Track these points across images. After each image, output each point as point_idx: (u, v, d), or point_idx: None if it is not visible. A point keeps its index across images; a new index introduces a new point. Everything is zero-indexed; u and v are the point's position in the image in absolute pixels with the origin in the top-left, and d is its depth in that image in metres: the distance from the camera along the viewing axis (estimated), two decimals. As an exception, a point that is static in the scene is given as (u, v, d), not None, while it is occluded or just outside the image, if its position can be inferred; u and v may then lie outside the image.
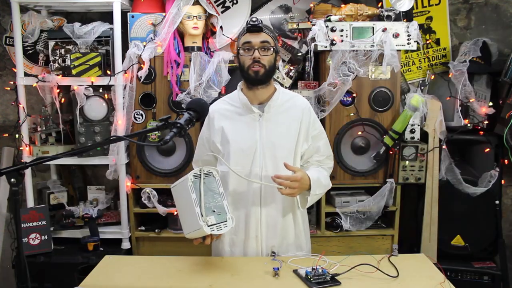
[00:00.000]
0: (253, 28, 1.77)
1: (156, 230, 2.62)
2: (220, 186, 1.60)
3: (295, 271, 1.63)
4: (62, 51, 2.53)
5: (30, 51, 2.67)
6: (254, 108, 1.82)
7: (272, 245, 1.84)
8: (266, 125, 1.82)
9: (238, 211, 1.83)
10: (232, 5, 2.72)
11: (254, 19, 1.78)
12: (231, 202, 1.81)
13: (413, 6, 2.53)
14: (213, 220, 1.54)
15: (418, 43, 2.51)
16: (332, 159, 2.02)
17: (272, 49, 1.79)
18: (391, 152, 2.54)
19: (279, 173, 1.74)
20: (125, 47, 2.54)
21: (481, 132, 2.58)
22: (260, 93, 1.84)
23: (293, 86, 2.61)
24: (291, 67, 2.63)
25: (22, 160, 2.57)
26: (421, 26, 2.75)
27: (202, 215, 1.51)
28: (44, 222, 2.51)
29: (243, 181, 1.80)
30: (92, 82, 2.51)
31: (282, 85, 2.49)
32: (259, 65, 1.77)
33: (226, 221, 1.56)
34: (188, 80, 2.51)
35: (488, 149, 2.56)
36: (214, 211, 1.55)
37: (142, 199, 2.56)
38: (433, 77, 2.76)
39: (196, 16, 2.52)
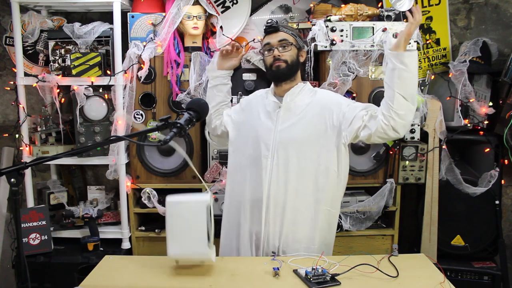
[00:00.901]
0: (269, 29, 1.90)
1: (156, 230, 2.62)
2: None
3: (295, 271, 1.63)
4: (62, 51, 2.54)
5: (30, 51, 2.67)
6: (274, 98, 1.91)
7: (278, 236, 1.85)
8: (283, 116, 1.88)
9: (247, 193, 1.89)
10: (232, 5, 2.71)
11: (269, 21, 1.91)
12: (241, 185, 1.92)
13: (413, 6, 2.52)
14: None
15: (418, 43, 2.51)
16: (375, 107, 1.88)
17: (291, 45, 1.88)
18: (391, 152, 2.54)
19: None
20: (125, 47, 2.54)
21: (481, 132, 2.58)
22: (285, 89, 1.91)
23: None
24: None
25: (22, 160, 2.57)
26: (421, 26, 2.75)
27: (209, 240, 1.55)
28: (44, 222, 2.51)
29: (255, 168, 1.87)
30: (92, 82, 2.51)
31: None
32: (280, 61, 1.86)
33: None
34: (188, 80, 2.51)
35: (488, 149, 2.56)
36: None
37: (142, 199, 2.56)
38: (433, 77, 2.76)
39: (196, 16, 2.52)
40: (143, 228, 2.65)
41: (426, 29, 2.84)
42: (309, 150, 1.84)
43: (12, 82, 2.69)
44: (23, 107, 2.53)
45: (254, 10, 2.79)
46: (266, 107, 1.94)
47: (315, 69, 2.57)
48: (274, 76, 1.91)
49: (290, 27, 1.97)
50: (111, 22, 2.51)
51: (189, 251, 1.59)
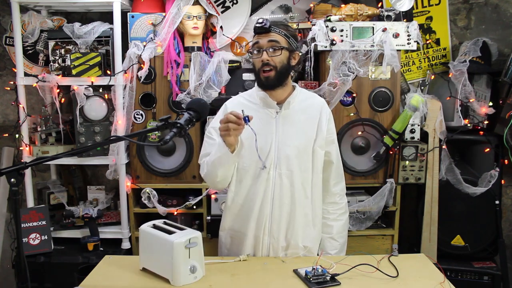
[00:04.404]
0: (259, 30, 1.74)
1: (156, 230, 2.62)
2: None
3: (295, 271, 1.63)
4: (62, 51, 2.54)
5: (30, 51, 2.67)
6: (272, 104, 1.79)
7: (282, 245, 1.83)
8: (283, 123, 1.80)
9: (251, 203, 1.81)
10: (232, 5, 2.72)
11: (260, 20, 1.73)
12: (245, 194, 1.82)
13: (413, 6, 2.53)
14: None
15: (418, 43, 2.51)
16: (344, 187, 1.97)
17: (282, 49, 1.73)
18: (391, 152, 2.54)
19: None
20: (125, 47, 2.54)
21: (481, 132, 2.58)
22: (277, 94, 1.80)
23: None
24: (291, 67, 2.63)
25: (22, 160, 2.57)
26: (421, 26, 2.75)
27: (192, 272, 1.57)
28: (44, 222, 2.51)
29: (256, 175, 1.79)
30: (92, 82, 2.51)
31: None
32: (269, 67, 1.73)
33: None
34: (188, 80, 2.51)
35: (488, 149, 2.56)
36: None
37: (142, 199, 2.56)
38: (433, 77, 2.76)
39: (196, 16, 2.52)
40: (143, 228, 2.65)
41: (426, 29, 2.84)
42: (307, 155, 1.82)
43: (12, 82, 2.69)
44: (23, 107, 2.53)
45: (254, 10, 2.79)
46: (260, 114, 1.80)
47: (315, 69, 2.57)
48: (263, 85, 1.77)
49: (284, 27, 1.77)
50: (111, 22, 2.51)
51: (156, 270, 1.61)
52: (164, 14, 2.53)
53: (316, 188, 1.85)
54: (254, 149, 1.73)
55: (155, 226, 1.67)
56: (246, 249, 1.84)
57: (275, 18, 2.80)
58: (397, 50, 2.47)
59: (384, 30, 2.43)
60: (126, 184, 2.57)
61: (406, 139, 2.54)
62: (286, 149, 1.79)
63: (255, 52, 1.76)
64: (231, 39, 2.68)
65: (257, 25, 1.73)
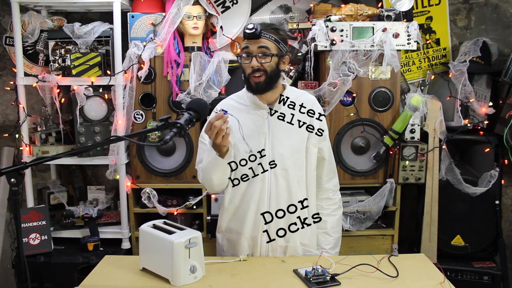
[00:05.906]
0: (249, 36, 1.72)
1: (156, 230, 2.62)
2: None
3: (295, 271, 1.63)
4: (62, 51, 2.54)
5: (30, 51, 2.67)
6: (263, 105, 1.79)
7: (281, 244, 1.84)
8: (275, 123, 1.80)
9: (247, 204, 1.82)
10: (232, 5, 2.72)
11: (250, 26, 1.70)
12: (241, 195, 1.82)
13: (413, 6, 2.52)
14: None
15: (418, 43, 2.51)
16: (337, 183, 1.97)
17: (272, 56, 1.72)
18: (391, 152, 2.54)
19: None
20: (125, 47, 2.54)
21: (481, 132, 2.58)
22: (267, 96, 1.80)
23: (293, 86, 2.61)
24: (291, 67, 2.64)
25: (22, 160, 2.57)
26: (421, 26, 2.75)
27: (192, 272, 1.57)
28: (44, 222, 2.51)
29: (254, 180, 1.79)
30: (92, 82, 2.51)
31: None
32: (260, 73, 1.73)
33: None
34: (188, 80, 2.51)
35: (488, 149, 2.56)
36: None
37: (142, 199, 2.56)
38: (433, 77, 2.76)
39: (196, 16, 2.52)
40: (143, 228, 2.65)
41: (426, 29, 2.84)
42: (300, 154, 1.83)
43: (12, 82, 2.69)
44: (23, 107, 2.53)
45: (254, 10, 2.79)
46: (251, 116, 1.80)
47: (315, 69, 2.58)
48: (252, 89, 1.77)
49: (274, 31, 1.75)
50: (111, 22, 2.51)
51: (156, 270, 1.61)
52: (164, 14, 2.53)
53: (311, 185, 1.86)
54: (248, 152, 1.75)
55: (155, 226, 1.67)
56: (243, 250, 1.84)
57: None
58: (397, 50, 2.47)
59: (384, 30, 2.43)
60: (126, 184, 2.57)
61: (406, 139, 2.54)
62: (280, 148, 1.79)
63: (244, 56, 1.76)
64: (231, 39, 2.68)
65: (247, 31, 1.71)
